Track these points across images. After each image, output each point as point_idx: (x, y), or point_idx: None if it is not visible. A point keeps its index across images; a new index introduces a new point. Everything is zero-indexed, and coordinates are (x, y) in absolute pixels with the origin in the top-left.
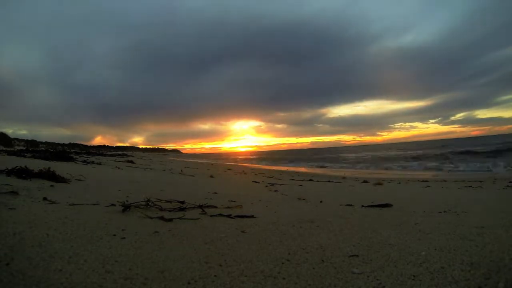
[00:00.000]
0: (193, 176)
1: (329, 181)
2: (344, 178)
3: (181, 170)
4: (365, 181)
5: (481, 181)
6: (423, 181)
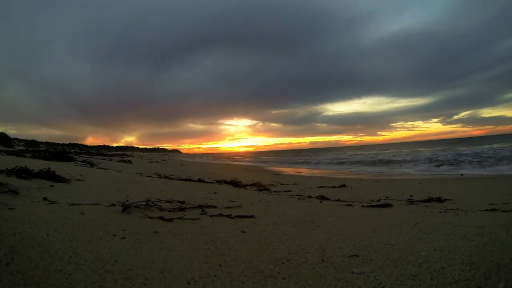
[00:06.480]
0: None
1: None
2: (345, 178)
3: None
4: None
5: (481, 181)
6: (422, 181)
